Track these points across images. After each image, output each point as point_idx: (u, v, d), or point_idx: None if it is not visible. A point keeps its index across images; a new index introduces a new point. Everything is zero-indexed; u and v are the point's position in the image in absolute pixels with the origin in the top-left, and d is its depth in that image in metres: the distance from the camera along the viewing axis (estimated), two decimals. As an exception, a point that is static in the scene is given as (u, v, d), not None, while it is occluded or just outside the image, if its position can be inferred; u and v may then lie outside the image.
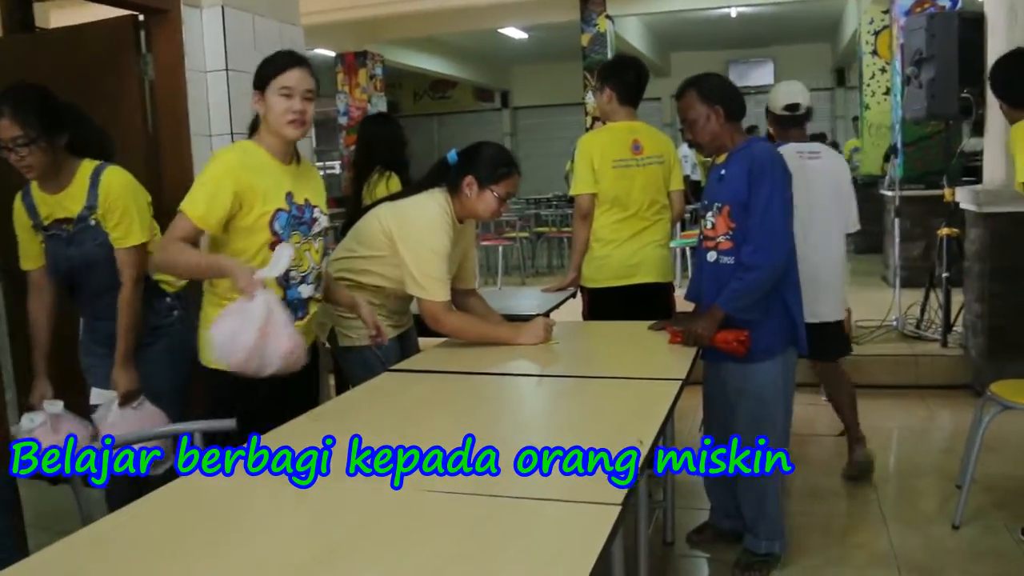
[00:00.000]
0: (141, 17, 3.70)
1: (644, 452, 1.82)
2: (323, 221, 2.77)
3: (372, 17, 11.04)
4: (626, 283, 3.81)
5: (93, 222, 2.85)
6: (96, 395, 2.95)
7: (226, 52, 3.81)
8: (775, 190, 2.75)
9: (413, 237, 2.90)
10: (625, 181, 3.81)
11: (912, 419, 4.93)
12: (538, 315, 3.38)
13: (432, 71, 15.47)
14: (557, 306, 3.98)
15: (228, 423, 2.45)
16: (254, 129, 2.71)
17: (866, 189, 10.00)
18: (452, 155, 3.00)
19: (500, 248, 10.11)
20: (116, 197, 2.85)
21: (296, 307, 2.69)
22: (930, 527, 3.44)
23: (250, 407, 2.51)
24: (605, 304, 3.83)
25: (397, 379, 2.63)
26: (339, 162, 13.84)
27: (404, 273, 2.90)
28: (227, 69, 3.82)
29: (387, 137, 4.57)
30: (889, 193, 7.22)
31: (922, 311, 6.06)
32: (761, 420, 2.94)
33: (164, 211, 3.73)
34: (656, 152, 3.87)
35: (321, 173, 3.42)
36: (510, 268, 10.86)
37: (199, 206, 2.52)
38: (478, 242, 10.07)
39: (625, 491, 1.59)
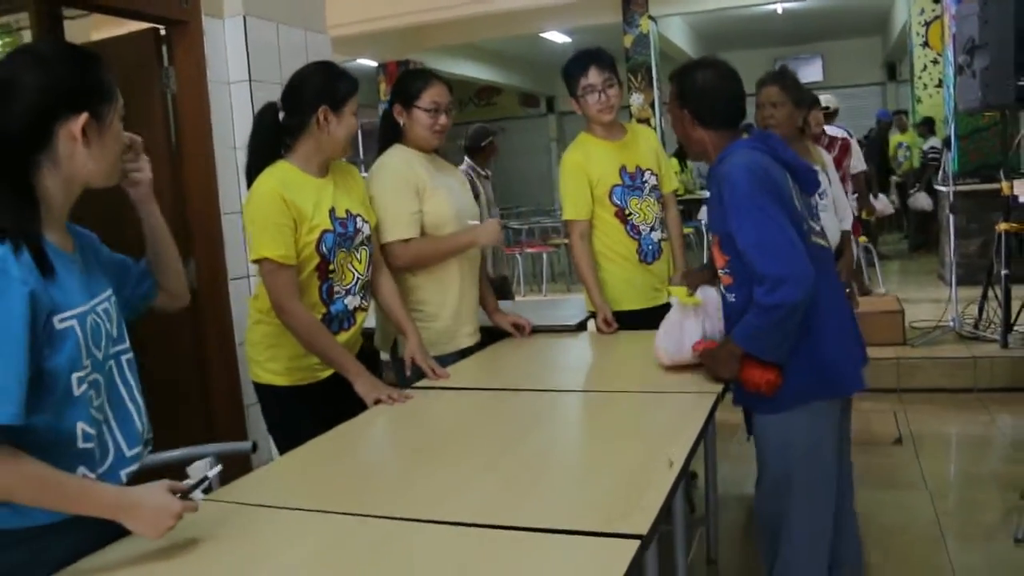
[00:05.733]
0: (163, 31, 3.66)
1: (674, 475, 1.69)
2: (366, 230, 2.67)
3: (412, 25, 10.96)
4: None
5: None
6: None
7: (249, 62, 3.75)
8: (760, 212, 2.16)
9: (373, 186, 2.88)
10: None
11: (971, 425, 4.69)
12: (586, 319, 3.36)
13: (476, 78, 15.37)
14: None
15: (244, 446, 2.38)
16: (276, 146, 2.59)
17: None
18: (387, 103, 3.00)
19: (545, 255, 10.00)
20: None
21: (342, 319, 2.61)
22: (990, 542, 3.24)
23: (301, 421, 2.47)
24: None
25: (419, 396, 2.51)
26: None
27: None
28: (250, 80, 3.75)
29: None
30: (943, 188, 6.97)
31: (980, 310, 5.82)
32: (781, 481, 2.35)
33: (188, 224, 3.70)
34: None
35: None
36: (555, 275, 10.73)
37: (279, 246, 2.42)
38: (522, 249, 9.98)
39: (651, 520, 1.47)
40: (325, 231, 2.51)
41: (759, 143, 2.31)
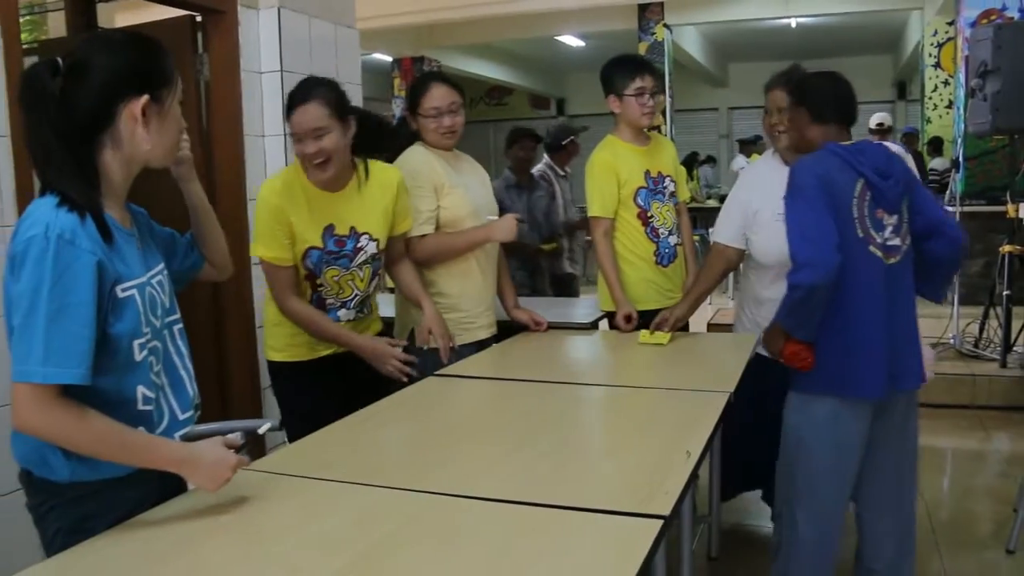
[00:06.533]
0: (199, 18, 3.75)
1: (692, 464, 1.79)
2: (371, 248, 2.70)
3: (429, 22, 11.09)
4: None
5: None
6: None
7: (281, 53, 3.84)
8: (804, 203, 2.37)
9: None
10: None
11: (968, 440, 4.79)
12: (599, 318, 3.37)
13: (489, 77, 15.46)
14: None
15: (272, 422, 2.46)
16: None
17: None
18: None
19: (551, 255, 10.06)
20: None
21: None
22: (984, 552, 3.33)
23: (312, 402, 2.62)
24: None
25: (442, 384, 2.61)
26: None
27: None
28: (282, 70, 3.85)
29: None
30: (950, 208, 7.06)
31: (981, 329, 5.92)
32: (787, 464, 2.56)
33: (215, 207, 3.78)
34: None
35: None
36: (560, 276, 10.78)
37: (272, 248, 2.56)
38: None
39: (673, 503, 1.56)
40: (311, 248, 2.59)
41: (843, 150, 2.44)
